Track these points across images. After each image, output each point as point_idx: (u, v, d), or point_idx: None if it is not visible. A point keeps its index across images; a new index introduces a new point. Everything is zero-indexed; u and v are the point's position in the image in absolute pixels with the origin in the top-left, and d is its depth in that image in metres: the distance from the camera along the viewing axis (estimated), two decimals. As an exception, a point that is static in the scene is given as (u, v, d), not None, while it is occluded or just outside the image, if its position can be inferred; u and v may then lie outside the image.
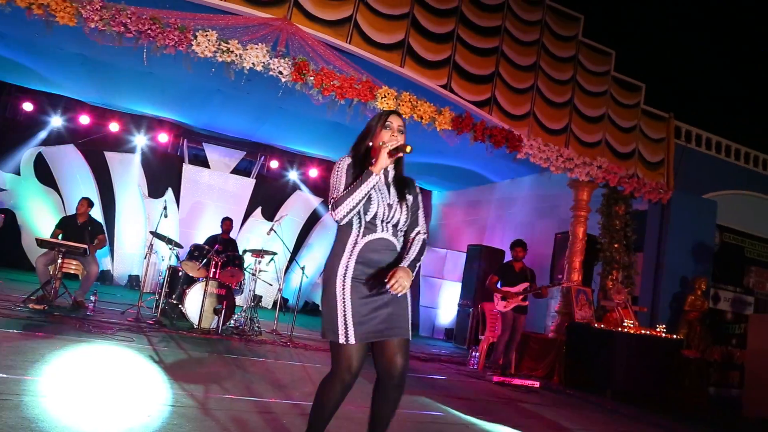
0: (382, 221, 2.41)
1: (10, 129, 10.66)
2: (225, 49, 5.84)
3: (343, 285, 2.36)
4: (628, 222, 8.50)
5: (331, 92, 6.26)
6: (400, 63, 6.87)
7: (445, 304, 11.38)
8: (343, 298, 2.34)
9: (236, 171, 11.86)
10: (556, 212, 9.47)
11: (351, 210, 2.35)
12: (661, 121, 8.91)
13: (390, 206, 2.44)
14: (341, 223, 2.41)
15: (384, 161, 2.37)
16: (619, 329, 7.21)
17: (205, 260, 7.12)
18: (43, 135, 10.72)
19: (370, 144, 2.49)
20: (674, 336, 7.61)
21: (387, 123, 2.49)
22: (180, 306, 7.02)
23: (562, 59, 8.10)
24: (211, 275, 6.99)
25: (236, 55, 5.93)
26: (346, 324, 2.32)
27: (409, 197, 2.53)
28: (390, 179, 2.52)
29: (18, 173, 10.47)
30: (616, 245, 8.41)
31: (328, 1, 6.52)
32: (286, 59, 6.11)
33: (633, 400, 6.83)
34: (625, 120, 8.43)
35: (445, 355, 8.44)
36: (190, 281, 7.20)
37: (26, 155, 10.52)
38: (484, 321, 8.00)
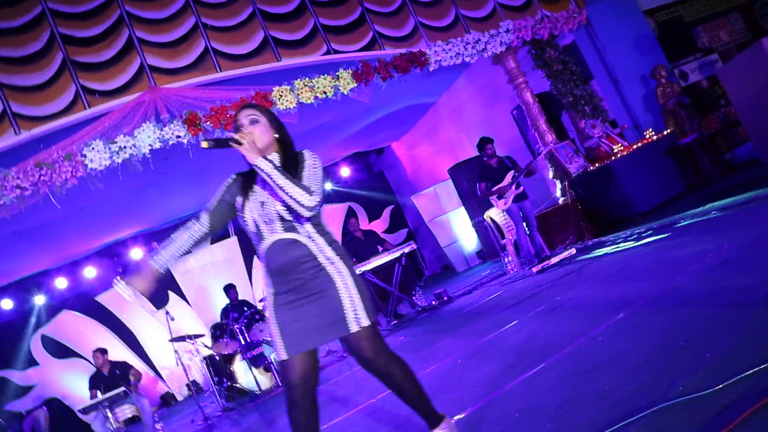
0: (265, 223, 2.27)
1: (2, 331, 10.68)
2: (116, 149, 5.76)
3: (269, 299, 2.30)
4: (565, 60, 8.36)
5: (232, 124, 6.16)
6: (276, 59, 6.73)
7: (463, 232, 11.35)
8: (272, 314, 2.28)
9: (215, 239, 11.81)
10: (502, 92, 9.33)
11: None
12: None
13: (262, 204, 2.28)
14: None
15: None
16: (613, 158, 7.16)
17: (228, 333, 7.14)
18: (34, 319, 10.76)
19: None
20: (665, 133, 7.53)
21: (237, 124, 2.34)
22: (235, 385, 7.07)
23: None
24: (243, 343, 7.01)
25: (130, 147, 5.84)
26: (278, 339, 2.26)
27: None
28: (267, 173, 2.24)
29: (36, 363, 10.53)
30: (568, 86, 8.29)
31: (176, 48, 6.37)
32: (175, 122, 6.02)
33: (662, 211, 6.79)
34: (503, -26, 8.22)
35: (485, 277, 8.43)
36: (230, 358, 7.22)
37: (33, 345, 10.58)
38: (498, 226, 7.96)
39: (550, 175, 8.26)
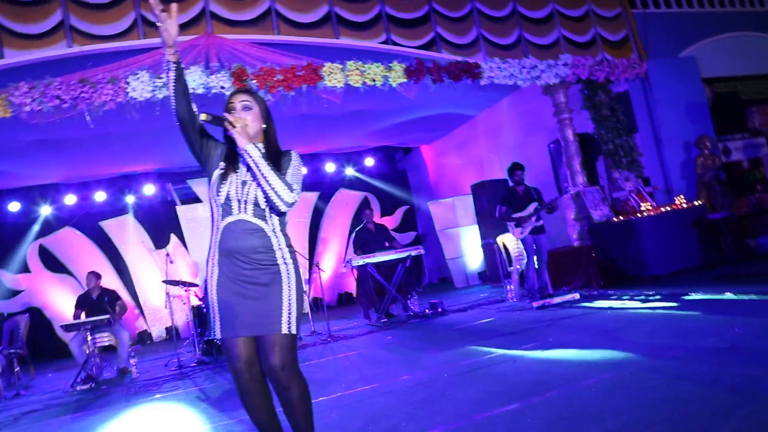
0: (238, 201, 2.26)
1: (4, 232, 10.80)
2: (160, 84, 5.77)
3: (212, 275, 2.29)
4: (614, 107, 8.32)
5: (277, 87, 6.17)
6: (334, 35, 6.73)
7: (470, 249, 11.33)
8: (213, 289, 2.28)
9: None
10: (544, 123, 9.28)
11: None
12: (612, -4, 8.63)
13: (244, 183, 2.28)
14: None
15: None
16: (639, 215, 7.11)
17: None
18: (36, 228, 10.87)
19: None
20: (695, 203, 7.48)
21: (230, 106, 2.36)
22: (215, 340, 7.08)
23: (491, -30, 7.84)
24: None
25: (174, 87, 5.85)
26: (215, 317, 2.28)
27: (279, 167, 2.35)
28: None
29: (28, 270, 10.63)
30: (611, 133, 8.25)
31: (241, 1, 6.38)
32: (223, 72, 6.03)
33: (674, 279, 6.74)
34: (574, 8, 8.17)
35: (483, 299, 8.42)
36: (217, 314, 7.25)
37: (29, 252, 10.68)
38: (508, 253, 7.94)
39: (572, 216, 8.22)
